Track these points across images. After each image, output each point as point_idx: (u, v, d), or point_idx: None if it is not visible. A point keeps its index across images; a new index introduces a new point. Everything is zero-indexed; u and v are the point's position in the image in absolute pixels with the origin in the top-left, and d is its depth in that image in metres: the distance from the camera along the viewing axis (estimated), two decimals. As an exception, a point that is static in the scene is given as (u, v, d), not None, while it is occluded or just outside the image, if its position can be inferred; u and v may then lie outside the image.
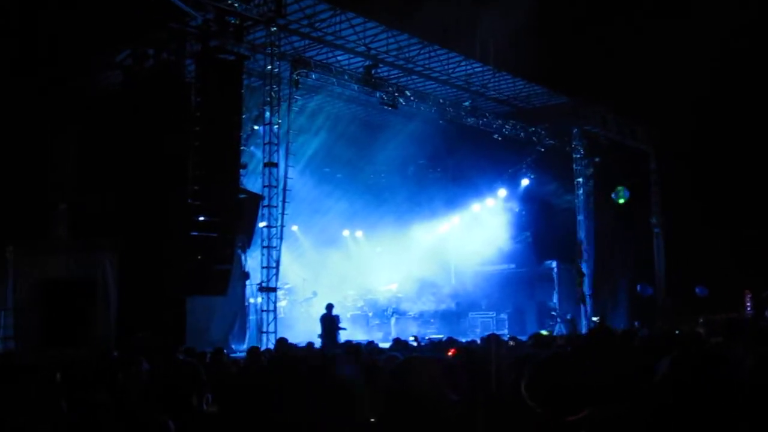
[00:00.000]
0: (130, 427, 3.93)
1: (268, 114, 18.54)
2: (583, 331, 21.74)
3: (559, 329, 23.73)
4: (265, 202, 18.23)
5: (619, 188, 25.85)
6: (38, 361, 7.13)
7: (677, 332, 13.58)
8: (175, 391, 4.15)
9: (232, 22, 16.78)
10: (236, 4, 16.74)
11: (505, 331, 25.10)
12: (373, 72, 20.95)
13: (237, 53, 16.76)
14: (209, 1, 16.15)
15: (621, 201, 25.67)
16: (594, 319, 22.80)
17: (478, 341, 14.10)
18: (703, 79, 22.64)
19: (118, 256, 14.60)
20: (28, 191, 15.65)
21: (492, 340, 7.71)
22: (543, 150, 26.98)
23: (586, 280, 24.35)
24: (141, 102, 15.02)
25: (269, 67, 18.45)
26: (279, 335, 16.22)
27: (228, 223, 15.95)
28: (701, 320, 22.59)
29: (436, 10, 19.69)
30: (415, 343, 14.82)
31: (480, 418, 3.00)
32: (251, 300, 19.24)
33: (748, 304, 27.04)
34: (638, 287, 25.34)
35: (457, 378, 2.95)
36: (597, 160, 26.79)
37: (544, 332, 20.78)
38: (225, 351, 11.59)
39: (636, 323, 23.62)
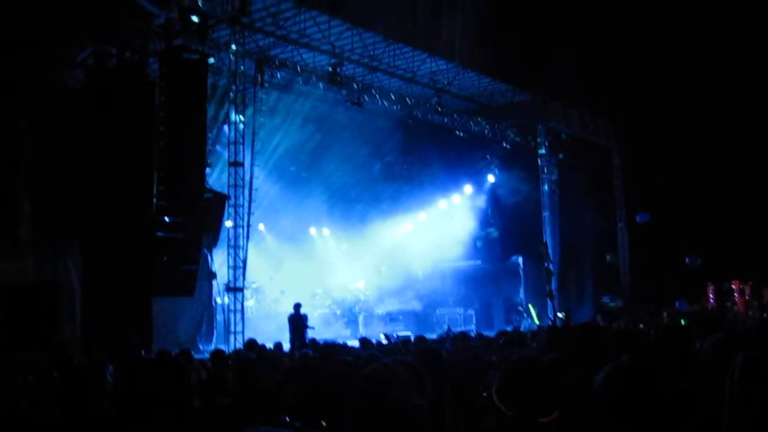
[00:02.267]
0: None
1: (233, 113, 18.44)
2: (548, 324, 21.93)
3: (525, 324, 23.96)
4: (231, 202, 18.14)
5: None
6: None
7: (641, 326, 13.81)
8: (147, 397, 4.07)
9: (196, 20, 16.65)
10: (200, 3, 16.62)
11: (473, 327, 25.28)
12: (338, 70, 20.92)
13: (201, 52, 16.61)
14: (172, -1, 16.02)
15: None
16: (559, 314, 23.03)
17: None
18: (668, 77, 22.99)
19: (82, 257, 14.43)
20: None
21: (459, 339, 7.76)
22: (508, 146, 27.16)
23: (553, 278, 24.58)
24: (104, 101, 14.82)
25: (234, 66, 18.35)
26: (247, 335, 16.17)
27: (194, 223, 15.83)
28: (665, 314, 23.01)
29: (401, 8, 19.77)
30: (385, 341, 14.85)
31: (447, 420, 3.03)
32: (218, 300, 19.14)
33: (711, 296, 27.50)
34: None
35: (423, 381, 2.96)
36: (561, 156, 27.06)
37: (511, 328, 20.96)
38: (192, 352, 11.53)
39: (597, 318, 23.93)
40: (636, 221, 27.78)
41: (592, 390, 2.45)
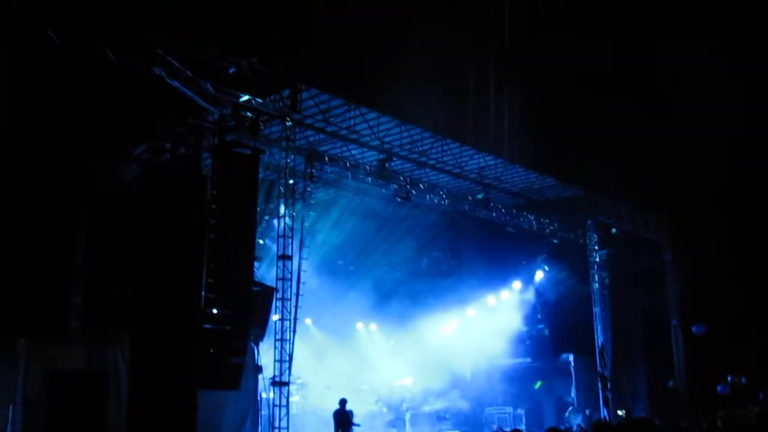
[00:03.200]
0: None
1: (282, 207, 18.65)
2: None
3: (576, 425, 23.21)
4: (279, 295, 18.13)
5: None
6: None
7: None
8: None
9: (249, 116, 17.08)
10: (252, 100, 17.08)
11: (523, 427, 24.52)
12: (386, 165, 21.17)
13: (253, 147, 16.97)
14: (226, 96, 16.48)
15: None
16: (619, 412, 22.31)
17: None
18: (718, 169, 22.76)
19: (130, 348, 14.46)
20: (42, 283, 15.62)
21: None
22: (557, 242, 26.93)
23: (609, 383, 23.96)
24: (157, 194, 15.16)
25: (284, 160, 18.66)
26: (292, 431, 15.88)
27: (241, 316, 15.83)
28: (721, 414, 22.07)
29: (449, 104, 20.08)
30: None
31: None
32: (263, 394, 18.91)
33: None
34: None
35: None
36: (610, 251, 26.72)
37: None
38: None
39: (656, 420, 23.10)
40: (692, 331, 26.99)
41: None
